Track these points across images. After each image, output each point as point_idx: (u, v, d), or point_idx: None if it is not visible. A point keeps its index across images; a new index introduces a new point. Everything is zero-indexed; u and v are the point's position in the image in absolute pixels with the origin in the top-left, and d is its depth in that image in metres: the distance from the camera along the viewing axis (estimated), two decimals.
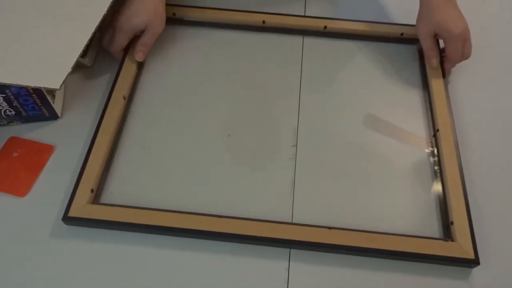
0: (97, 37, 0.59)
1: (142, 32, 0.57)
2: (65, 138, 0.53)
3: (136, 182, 0.50)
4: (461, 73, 0.61)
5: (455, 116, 0.56)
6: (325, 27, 0.64)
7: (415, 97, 0.59)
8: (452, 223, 0.47)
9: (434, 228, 0.48)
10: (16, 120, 0.53)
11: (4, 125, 0.53)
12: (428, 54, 0.59)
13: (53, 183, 0.49)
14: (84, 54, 0.56)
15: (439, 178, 0.51)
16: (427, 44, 0.58)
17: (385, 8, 0.69)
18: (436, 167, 0.52)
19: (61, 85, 0.45)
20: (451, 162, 0.51)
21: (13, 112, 0.51)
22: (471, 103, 0.58)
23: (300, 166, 0.52)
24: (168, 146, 0.53)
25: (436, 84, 0.58)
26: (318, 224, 0.47)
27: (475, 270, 0.46)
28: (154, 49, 0.62)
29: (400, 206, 0.50)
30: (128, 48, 0.59)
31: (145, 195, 0.49)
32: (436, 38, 0.59)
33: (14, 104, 0.50)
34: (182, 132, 0.54)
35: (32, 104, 0.51)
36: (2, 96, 0.49)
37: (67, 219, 0.46)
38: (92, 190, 0.48)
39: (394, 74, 0.61)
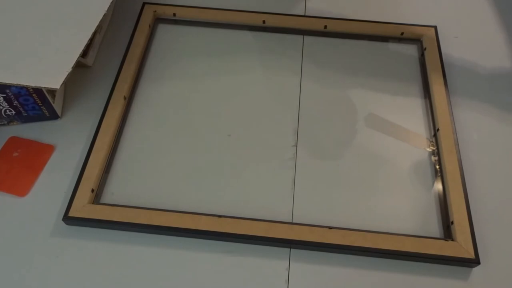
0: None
1: None
2: (66, 138, 0.53)
3: (137, 182, 0.50)
4: (461, 72, 0.61)
5: (455, 115, 0.56)
6: (325, 27, 0.64)
7: (415, 96, 0.59)
8: (452, 222, 0.47)
9: (434, 227, 0.48)
10: (16, 120, 0.53)
11: (4, 124, 0.53)
12: None
13: (53, 183, 0.50)
14: (84, 54, 0.57)
15: (439, 178, 0.51)
16: None
17: (385, 8, 0.69)
18: (436, 167, 0.52)
19: (61, 85, 0.45)
20: (451, 162, 0.51)
21: (13, 112, 0.51)
22: (471, 102, 0.58)
23: (300, 166, 0.52)
24: (168, 146, 0.53)
25: (436, 83, 0.58)
26: (318, 223, 0.47)
27: (475, 270, 0.46)
28: (154, 49, 0.62)
29: (400, 206, 0.50)
30: (129, 48, 0.59)
31: (145, 195, 0.49)
32: None
33: (14, 104, 0.50)
34: (182, 132, 0.54)
35: (32, 104, 0.51)
36: (2, 96, 0.49)
37: (68, 219, 0.46)
38: (92, 190, 0.48)
39: (394, 74, 0.61)
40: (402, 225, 0.48)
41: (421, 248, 0.45)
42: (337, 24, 0.64)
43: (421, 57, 0.63)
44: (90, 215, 0.46)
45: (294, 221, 0.48)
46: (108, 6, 0.52)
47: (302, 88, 0.59)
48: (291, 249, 0.46)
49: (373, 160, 0.53)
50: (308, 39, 0.64)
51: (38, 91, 0.49)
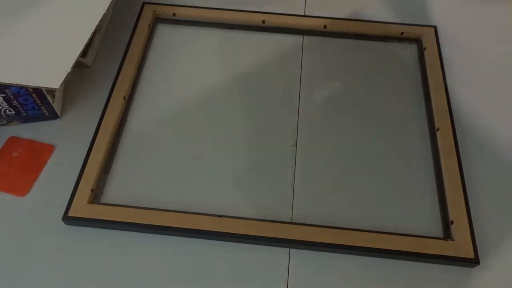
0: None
1: None
2: (65, 138, 0.53)
3: (136, 182, 0.50)
4: (461, 72, 0.61)
5: (455, 115, 0.56)
6: (325, 26, 0.64)
7: (414, 96, 0.59)
8: (452, 222, 0.47)
9: (434, 227, 0.48)
10: (16, 120, 0.53)
11: (4, 124, 0.53)
12: None
13: (53, 183, 0.50)
14: (84, 53, 0.57)
15: (439, 177, 0.51)
16: None
17: (385, 8, 0.69)
18: (436, 166, 0.52)
19: (60, 85, 0.45)
20: (451, 161, 0.51)
21: (13, 112, 0.51)
22: (470, 102, 0.58)
23: (300, 166, 0.52)
24: (168, 146, 0.53)
25: (435, 83, 0.58)
26: (317, 223, 0.47)
27: (475, 270, 0.46)
28: (154, 49, 0.62)
29: (400, 206, 0.50)
30: (128, 48, 0.59)
31: (145, 195, 0.49)
32: None
33: (14, 104, 0.50)
34: (181, 132, 0.54)
35: (32, 103, 0.51)
36: (2, 96, 0.49)
37: (67, 218, 0.46)
38: (92, 190, 0.48)
39: (394, 73, 0.61)
40: (402, 224, 0.48)
41: (420, 248, 0.45)
42: (337, 24, 0.64)
43: (420, 56, 0.63)
44: (90, 215, 0.46)
45: (294, 221, 0.48)
46: (107, 6, 0.52)
47: (301, 88, 0.59)
48: (291, 249, 0.46)
49: (372, 160, 0.53)
50: (308, 39, 0.64)
51: (37, 91, 0.49)
